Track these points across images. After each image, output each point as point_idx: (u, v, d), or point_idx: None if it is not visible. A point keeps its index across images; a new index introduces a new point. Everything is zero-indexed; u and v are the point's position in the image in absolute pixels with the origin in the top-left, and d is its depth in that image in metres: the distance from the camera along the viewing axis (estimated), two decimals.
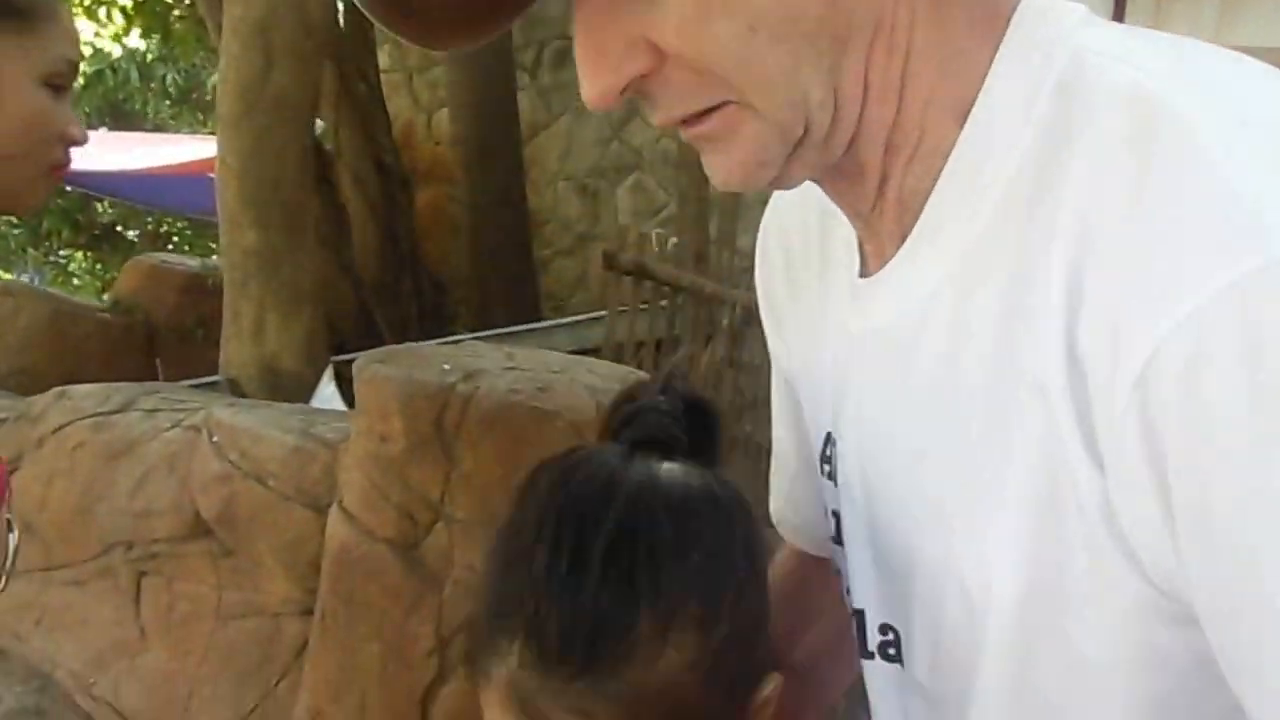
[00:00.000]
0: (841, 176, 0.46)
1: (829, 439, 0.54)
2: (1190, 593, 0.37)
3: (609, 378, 1.61)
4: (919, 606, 0.48)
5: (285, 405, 2.06)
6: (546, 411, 1.41)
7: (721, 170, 0.45)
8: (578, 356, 1.80)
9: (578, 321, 3.41)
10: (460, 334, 3.46)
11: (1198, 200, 0.35)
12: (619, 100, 0.43)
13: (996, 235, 0.42)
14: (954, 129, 0.43)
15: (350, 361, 3.04)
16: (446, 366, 1.44)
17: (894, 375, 0.47)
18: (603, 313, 3.42)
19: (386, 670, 1.50)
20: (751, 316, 3.00)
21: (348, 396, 2.63)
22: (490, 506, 1.42)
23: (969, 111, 0.43)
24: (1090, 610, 0.41)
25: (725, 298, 3.06)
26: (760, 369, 3.13)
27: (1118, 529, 0.38)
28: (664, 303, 3.00)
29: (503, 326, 3.45)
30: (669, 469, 0.49)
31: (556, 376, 1.49)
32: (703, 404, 0.52)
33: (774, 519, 0.68)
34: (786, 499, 0.66)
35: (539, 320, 3.69)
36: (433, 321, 3.59)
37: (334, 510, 1.60)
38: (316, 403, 2.41)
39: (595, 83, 0.42)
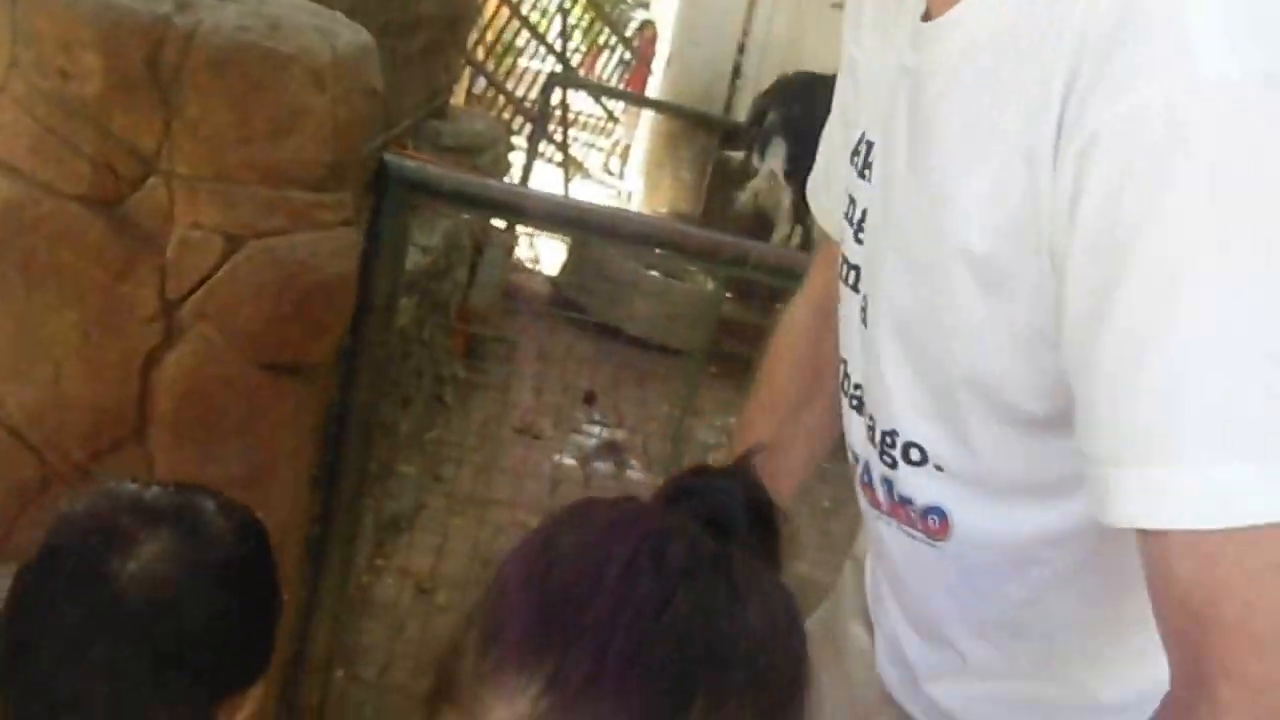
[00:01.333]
0: None
1: (867, 141, 0.67)
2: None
3: (325, 16, 1.48)
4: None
5: None
6: (283, 55, 1.29)
7: None
8: None
9: None
10: None
11: (1161, 26, 0.45)
12: None
13: (1029, 19, 0.52)
14: None
15: None
16: None
17: (934, 104, 0.59)
18: None
19: (89, 340, 1.38)
20: None
21: None
22: (221, 161, 1.31)
23: None
24: (1027, 298, 0.53)
25: None
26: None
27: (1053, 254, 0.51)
28: None
29: None
30: (740, 558, 0.46)
31: (279, 14, 1.34)
32: (767, 504, 0.51)
33: (808, 192, 0.82)
34: (824, 174, 0.78)
35: None
36: None
37: None
38: None
39: None
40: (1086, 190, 0.47)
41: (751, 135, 4.21)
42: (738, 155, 4.22)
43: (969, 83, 0.56)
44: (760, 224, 4.28)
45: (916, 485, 0.65)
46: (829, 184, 0.79)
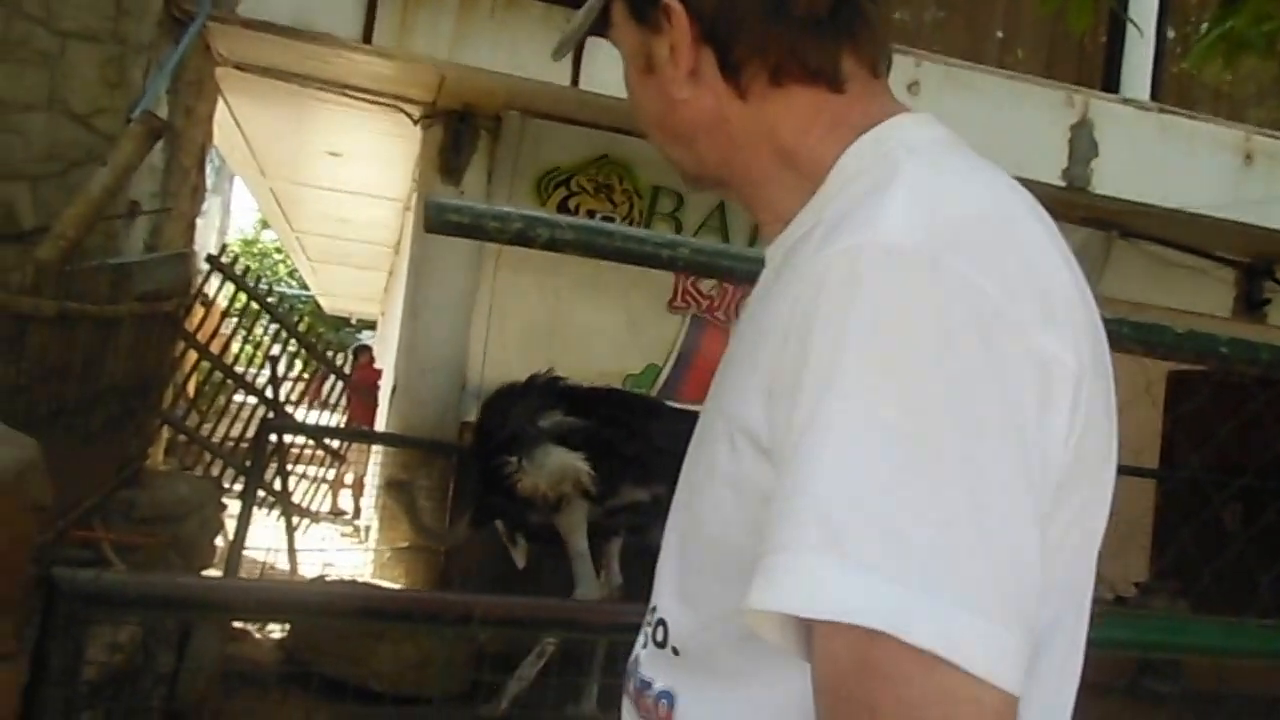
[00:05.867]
0: (734, 199, 0.76)
1: None
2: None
3: None
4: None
5: None
6: None
7: None
8: None
9: None
10: None
11: (860, 211, 0.58)
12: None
13: (805, 240, 0.65)
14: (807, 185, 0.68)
15: None
16: None
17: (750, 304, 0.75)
18: None
19: None
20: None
21: None
22: None
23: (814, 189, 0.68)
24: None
25: None
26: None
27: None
28: None
29: None
30: None
31: None
32: None
33: None
34: None
35: None
36: None
37: None
38: None
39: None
40: (792, 328, 0.57)
41: (520, 440, 4.41)
42: (513, 460, 4.38)
43: (766, 287, 0.71)
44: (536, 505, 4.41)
45: (655, 668, 0.70)
46: None
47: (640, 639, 0.74)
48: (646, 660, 0.72)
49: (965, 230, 0.57)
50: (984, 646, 0.49)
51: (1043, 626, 0.58)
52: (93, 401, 3.22)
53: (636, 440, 4.49)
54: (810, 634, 0.53)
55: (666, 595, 0.71)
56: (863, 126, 0.68)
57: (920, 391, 0.52)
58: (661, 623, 0.70)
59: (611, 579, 4.82)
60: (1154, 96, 5.81)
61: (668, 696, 0.68)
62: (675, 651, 0.69)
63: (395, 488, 5.33)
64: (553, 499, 4.40)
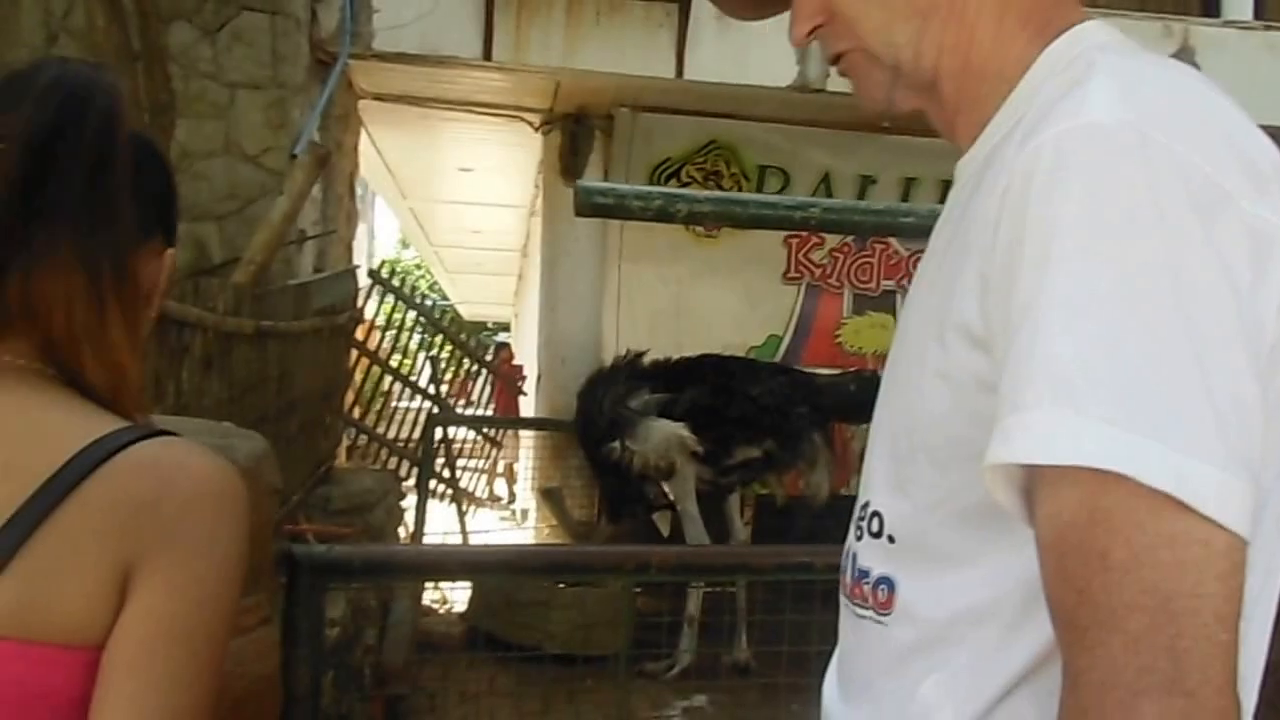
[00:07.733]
0: (932, 105, 0.72)
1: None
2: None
3: (219, 431, 1.59)
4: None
5: None
6: None
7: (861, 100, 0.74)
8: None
9: None
10: None
11: (1067, 100, 0.58)
12: (808, 40, 0.72)
13: (1004, 142, 0.64)
14: (1004, 89, 0.67)
15: None
16: None
17: (950, 209, 0.72)
18: None
19: None
20: (233, 343, 2.93)
21: None
22: None
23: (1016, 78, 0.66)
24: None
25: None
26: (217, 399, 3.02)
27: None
28: None
29: None
30: None
31: None
32: None
33: None
34: None
35: None
36: None
37: None
38: None
39: (795, 29, 0.72)
40: (1004, 215, 0.58)
41: (618, 424, 4.44)
42: (616, 445, 4.43)
43: (968, 193, 0.68)
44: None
45: (872, 557, 0.70)
46: None
47: (853, 533, 0.75)
48: (863, 551, 0.72)
49: (1169, 108, 0.57)
50: (1214, 488, 0.49)
51: (1264, 486, 0.56)
52: (288, 409, 3.42)
53: (739, 401, 4.43)
54: (1040, 492, 0.53)
55: (878, 488, 0.72)
56: (1053, 29, 0.67)
57: (1137, 258, 0.53)
58: (876, 514, 0.71)
59: (735, 533, 4.82)
60: (1258, 15, 5.41)
61: (887, 582, 0.69)
62: (891, 540, 0.69)
63: (546, 495, 5.48)
64: (664, 468, 4.42)
